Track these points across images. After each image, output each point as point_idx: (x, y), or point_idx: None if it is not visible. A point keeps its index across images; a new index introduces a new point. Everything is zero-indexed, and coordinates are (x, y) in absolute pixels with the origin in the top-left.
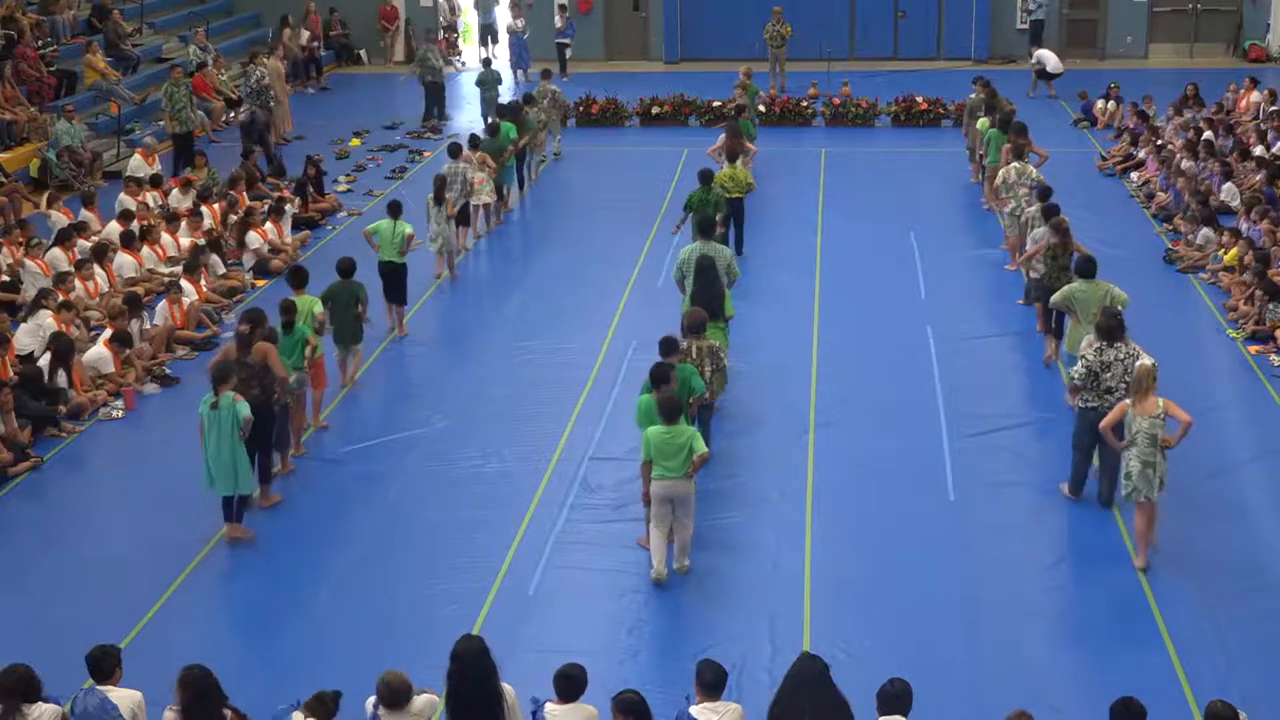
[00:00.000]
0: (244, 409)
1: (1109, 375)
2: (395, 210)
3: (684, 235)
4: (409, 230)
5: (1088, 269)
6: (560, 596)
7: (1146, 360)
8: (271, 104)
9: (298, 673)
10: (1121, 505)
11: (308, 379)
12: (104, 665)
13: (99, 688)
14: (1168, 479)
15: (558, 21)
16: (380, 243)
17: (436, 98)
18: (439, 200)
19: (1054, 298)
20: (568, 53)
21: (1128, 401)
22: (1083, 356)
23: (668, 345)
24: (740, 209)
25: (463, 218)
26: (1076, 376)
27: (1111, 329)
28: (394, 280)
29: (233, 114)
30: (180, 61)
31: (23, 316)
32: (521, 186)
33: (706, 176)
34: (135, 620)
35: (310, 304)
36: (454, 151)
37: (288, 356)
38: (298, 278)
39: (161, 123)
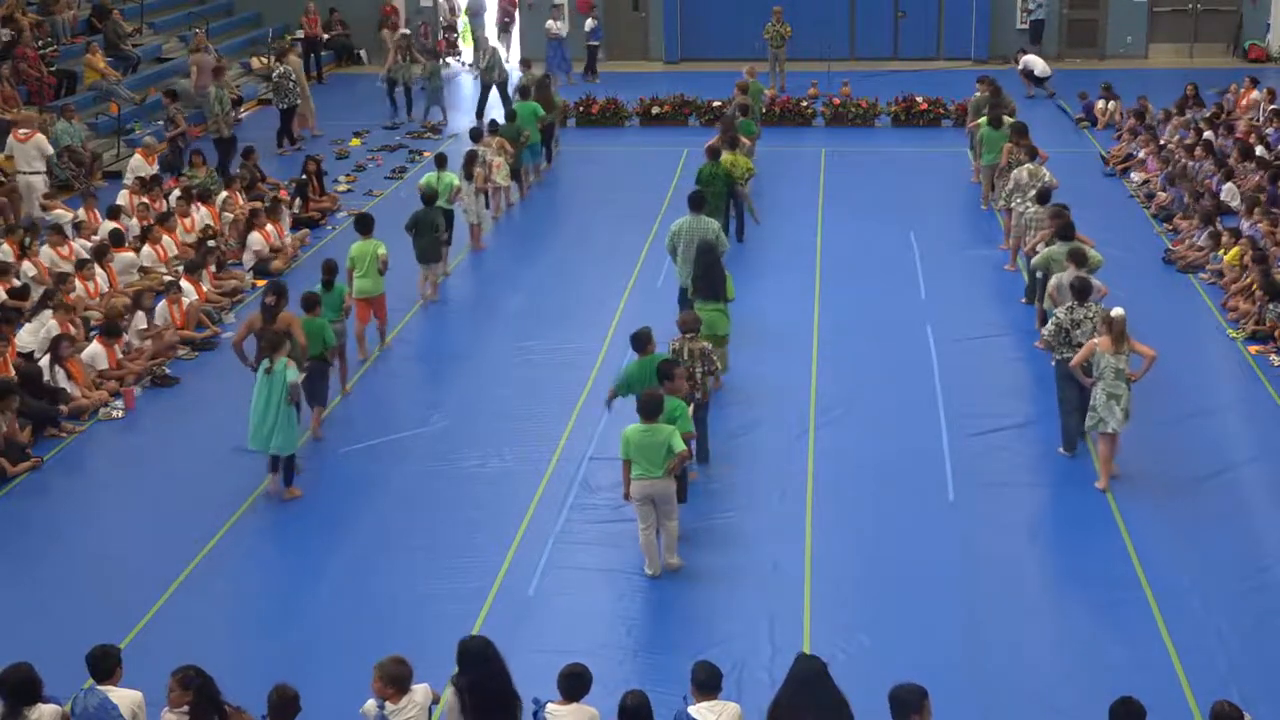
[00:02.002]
0: (293, 374)
1: (1079, 332)
2: (441, 163)
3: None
4: (455, 181)
5: (1067, 233)
6: (560, 596)
7: (1119, 310)
8: (297, 101)
9: (297, 672)
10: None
11: (344, 331)
12: (104, 665)
13: (99, 687)
14: (1132, 412)
15: (588, 23)
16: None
17: (504, 95)
18: (469, 175)
19: (1034, 260)
20: (600, 54)
21: (1096, 341)
22: (1054, 315)
23: (639, 340)
24: (738, 195)
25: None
26: (1047, 334)
27: (1084, 289)
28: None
29: (234, 114)
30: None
31: (27, 316)
32: (549, 159)
33: (715, 151)
34: (135, 620)
35: (375, 247)
36: (475, 136)
37: (330, 312)
38: (364, 224)
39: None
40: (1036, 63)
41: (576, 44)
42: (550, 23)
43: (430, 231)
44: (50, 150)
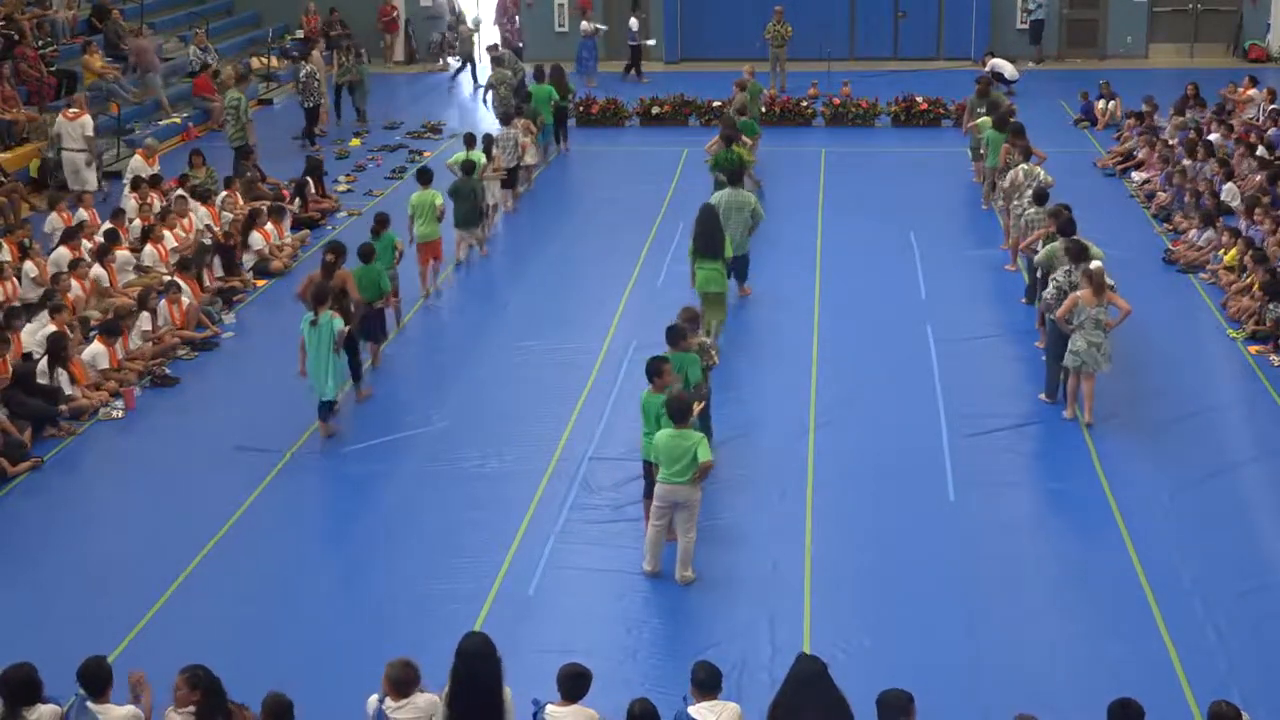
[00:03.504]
0: (339, 324)
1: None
2: (470, 142)
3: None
4: (482, 159)
5: (1068, 229)
6: (560, 596)
7: (1098, 263)
8: (321, 100)
9: (297, 673)
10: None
11: (398, 276)
12: (98, 679)
13: (91, 706)
14: (1112, 356)
15: (632, 22)
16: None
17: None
18: (488, 156)
19: (1037, 257)
20: (651, 52)
21: (1078, 294)
22: (1053, 278)
23: (673, 334)
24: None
25: (508, 181)
26: (1049, 296)
27: (1078, 252)
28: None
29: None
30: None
31: (28, 316)
32: (562, 141)
33: (729, 139)
34: (135, 620)
35: (433, 197)
36: (506, 119)
37: (380, 259)
38: (424, 176)
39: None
40: (1005, 66)
41: (613, 44)
42: (583, 22)
43: (470, 198)
44: (91, 131)
